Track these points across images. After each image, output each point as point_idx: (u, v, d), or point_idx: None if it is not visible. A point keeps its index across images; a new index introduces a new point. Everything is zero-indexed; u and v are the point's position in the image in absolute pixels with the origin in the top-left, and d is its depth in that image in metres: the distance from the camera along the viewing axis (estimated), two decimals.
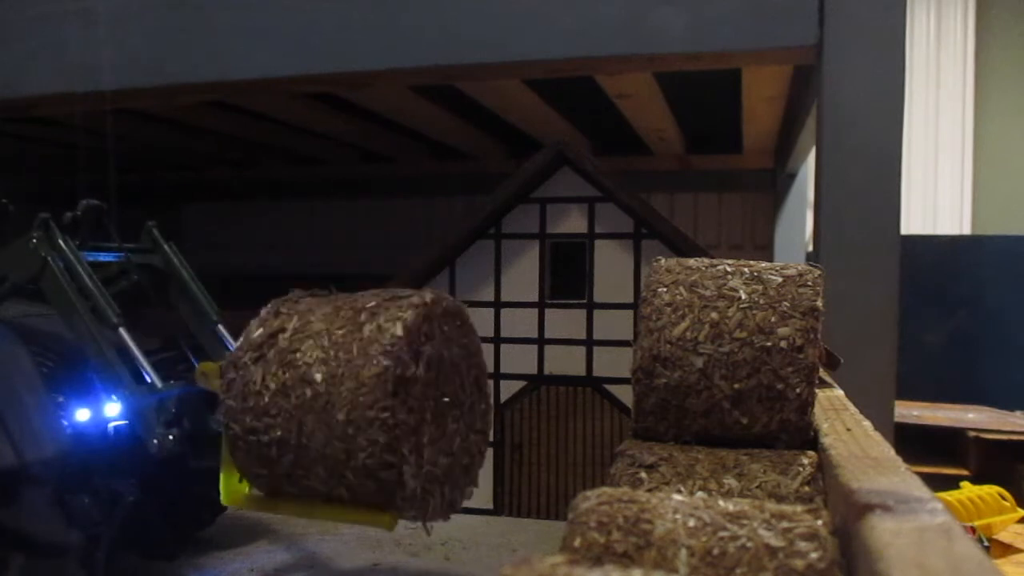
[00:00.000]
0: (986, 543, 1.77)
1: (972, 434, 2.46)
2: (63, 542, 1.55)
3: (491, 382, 0.86)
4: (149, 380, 2.00)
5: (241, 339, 0.73)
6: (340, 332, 0.67)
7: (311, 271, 4.00)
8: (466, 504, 2.95)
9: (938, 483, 1.86)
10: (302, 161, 4.38)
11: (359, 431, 0.63)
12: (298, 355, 0.67)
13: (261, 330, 0.72)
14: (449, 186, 4.39)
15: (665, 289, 0.75)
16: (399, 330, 0.65)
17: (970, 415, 2.75)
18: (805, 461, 0.66)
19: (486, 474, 3.08)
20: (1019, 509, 1.93)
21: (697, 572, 0.49)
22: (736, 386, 0.70)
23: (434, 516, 0.71)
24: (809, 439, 0.71)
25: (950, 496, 1.87)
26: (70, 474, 1.99)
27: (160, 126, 3.26)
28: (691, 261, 0.77)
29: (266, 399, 0.67)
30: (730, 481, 0.65)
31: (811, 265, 0.76)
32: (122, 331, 1.93)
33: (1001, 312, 3.46)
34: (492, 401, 0.83)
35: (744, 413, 0.71)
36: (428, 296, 0.70)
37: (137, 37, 2.01)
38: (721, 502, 0.53)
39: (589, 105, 2.84)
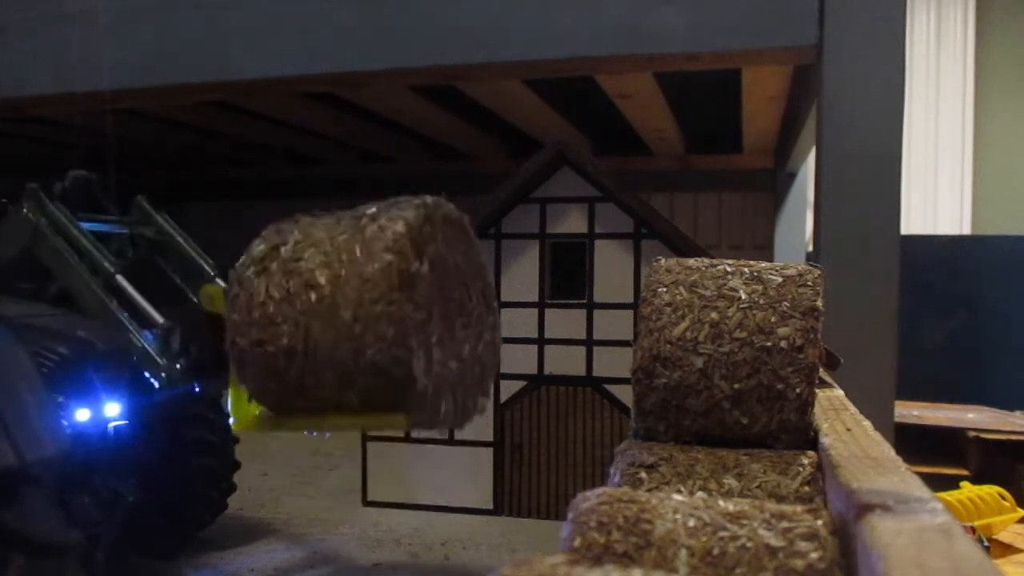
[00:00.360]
0: (986, 543, 1.77)
1: (972, 434, 2.46)
2: (63, 542, 1.55)
3: (497, 297, 0.85)
4: (151, 319, 2.00)
5: (243, 257, 0.71)
6: (343, 237, 0.66)
7: None
8: (466, 504, 2.95)
9: (938, 483, 1.86)
10: (302, 161, 4.39)
11: (367, 328, 0.62)
12: (301, 263, 0.66)
13: (263, 246, 0.70)
14: (449, 186, 4.39)
15: (665, 289, 0.75)
16: (401, 227, 0.64)
17: (970, 415, 2.75)
18: (805, 461, 0.66)
19: (486, 474, 3.08)
20: (1019, 509, 1.93)
21: (697, 572, 0.49)
22: (736, 386, 0.70)
23: (447, 422, 0.70)
24: (809, 439, 0.71)
25: (950, 496, 1.87)
26: (70, 474, 1.99)
27: (160, 126, 3.26)
28: (691, 261, 0.78)
29: (271, 309, 0.66)
30: (730, 481, 0.65)
31: (811, 265, 0.76)
32: (120, 278, 1.99)
33: (1001, 312, 3.46)
34: (499, 317, 0.82)
35: (744, 413, 0.71)
36: (429, 198, 0.69)
37: (137, 37, 2.02)
38: (721, 502, 0.53)
39: (589, 105, 2.84)
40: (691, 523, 0.51)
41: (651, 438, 0.75)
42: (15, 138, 3.46)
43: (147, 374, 1.94)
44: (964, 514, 1.83)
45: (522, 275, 2.32)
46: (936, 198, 4.54)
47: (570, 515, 0.55)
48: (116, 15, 2.03)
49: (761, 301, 0.72)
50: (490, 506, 3.12)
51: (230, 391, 0.75)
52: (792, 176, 3.97)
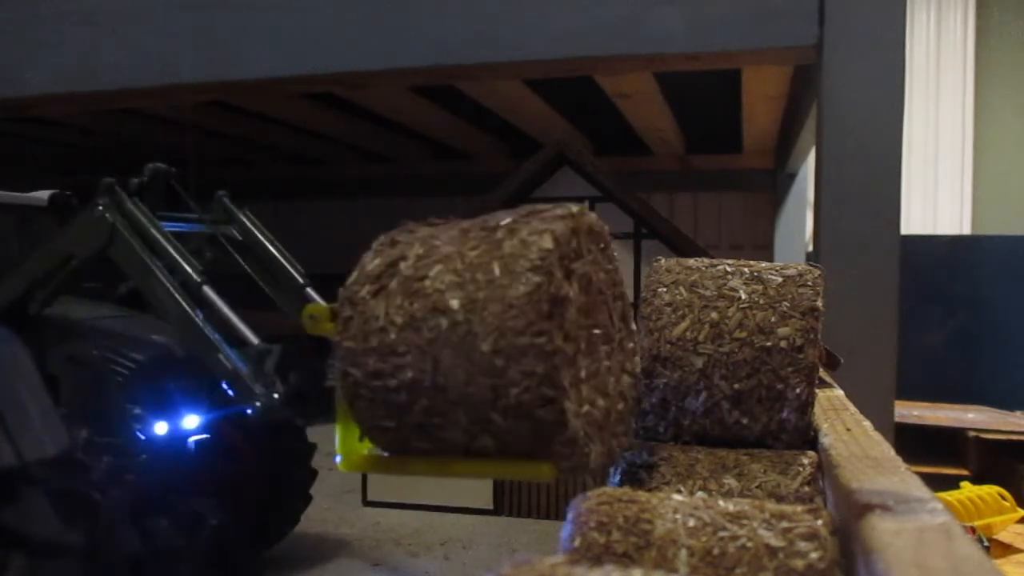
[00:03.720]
0: (986, 543, 1.76)
1: (972, 434, 2.46)
2: (63, 542, 1.54)
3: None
4: (243, 337, 1.78)
5: (354, 273, 0.61)
6: (474, 253, 0.57)
7: (310, 271, 4.02)
8: (466, 504, 2.95)
9: (938, 483, 1.86)
10: (302, 161, 4.39)
11: (510, 362, 0.53)
12: (426, 282, 0.57)
13: (378, 260, 0.60)
14: (449, 186, 4.40)
15: (665, 289, 0.75)
16: (548, 242, 0.55)
17: (970, 415, 2.75)
18: (805, 461, 0.66)
19: None
20: (1019, 509, 1.93)
21: (697, 572, 0.49)
22: (736, 386, 0.70)
23: (596, 466, 0.60)
24: (809, 439, 0.72)
25: (950, 496, 1.87)
26: (146, 493, 1.86)
27: (160, 126, 3.26)
28: (691, 261, 0.78)
29: (392, 336, 0.56)
30: (730, 481, 0.65)
31: (811, 265, 0.76)
32: (207, 289, 1.78)
33: (1001, 312, 3.46)
34: (638, 340, 0.70)
35: (744, 413, 0.71)
36: (574, 207, 0.59)
37: (137, 37, 2.01)
38: (721, 502, 0.53)
39: (589, 105, 2.84)
40: (691, 523, 0.51)
41: (651, 438, 0.75)
42: (15, 138, 3.46)
43: (240, 402, 1.73)
44: (964, 514, 1.82)
45: None
46: (936, 198, 4.54)
47: (570, 515, 0.55)
48: (116, 15, 2.03)
49: (761, 301, 0.72)
50: (490, 506, 3.12)
51: (337, 426, 0.66)
52: (792, 176, 3.97)
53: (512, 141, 3.63)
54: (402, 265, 0.59)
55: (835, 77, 1.62)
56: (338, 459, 0.68)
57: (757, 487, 0.64)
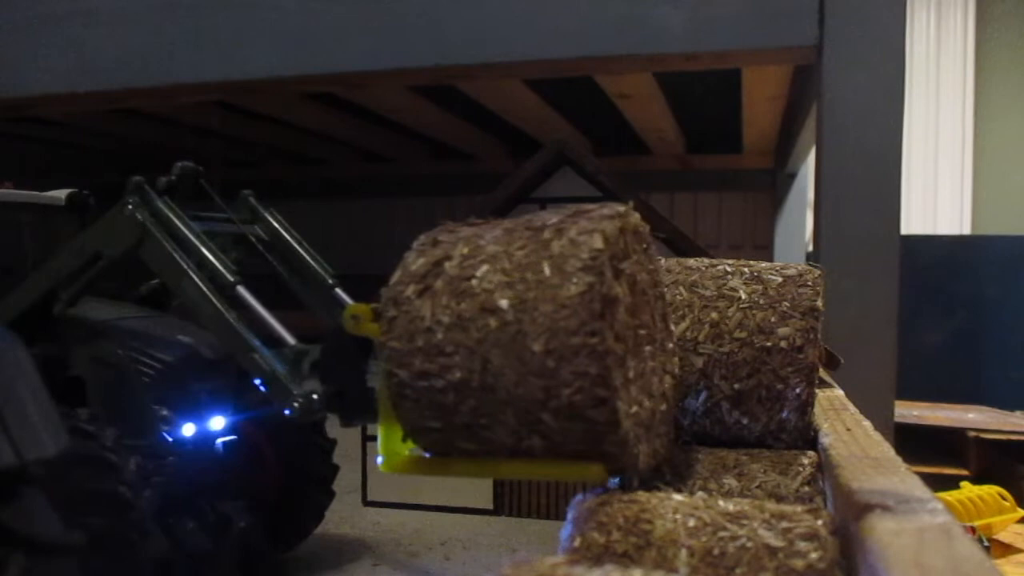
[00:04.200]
0: (986, 543, 1.76)
1: (972, 434, 2.46)
2: (63, 542, 1.54)
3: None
4: (279, 338, 1.74)
5: (397, 273, 0.60)
6: (522, 253, 0.56)
7: None
8: (466, 504, 2.95)
9: (938, 483, 1.86)
10: (302, 161, 4.39)
11: (562, 362, 0.52)
12: (474, 282, 0.56)
13: (422, 260, 0.59)
14: (449, 186, 4.40)
15: (665, 289, 0.75)
16: (598, 242, 0.54)
17: (970, 415, 2.75)
18: (805, 461, 0.66)
19: None
20: (1019, 509, 1.93)
21: (697, 572, 0.49)
22: (736, 386, 0.70)
23: (643, 468, 0.60)
24: (809, 439, 0.72)
25: (950, 496, 1.87)
26: (173, 495, 1.84)
27: (160, 126, 3.26)
28: (691, 261, 0.77)
29: (439, 336, 0.56)
30: (730, 481, 0.65)
31: (811, 265, 0.76)
32: (241, 289, 1.74)
33: (1001, 312, 3.45)
34: (676, 342, 0.70)
35: (744, 413, 0.71)
36: (620, 207, 0.59)
37: (137, 37, 2.01)
38: (721, 502, 0.53)
39: (589, 105, 2.84)
40: (691, 523, 0.51)
41: None
42: (15, 138, 3.46)
43: (276, 403, 1.68)
44: (964, 514, 1.82)
45: None
46: (936, 198, 4.54)
47: (570, 515, 0.55)
48: (116, 15, 2.03)
49: (761, 301, 0.72)
50: (490, 506, 3.12)
51: (380, 427, 0.65)
52: (792, 176, 3.97)
53: (512, 141, 3.63)
54: (447, 265, 0.59)
55: (835, 77, 1.62)
56: (380, 460, 0.67)
57: (757, 487, 0.64)
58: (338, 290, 1.88)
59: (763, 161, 4.07)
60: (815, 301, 0.71)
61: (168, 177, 1.90)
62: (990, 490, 1.93)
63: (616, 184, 2.84)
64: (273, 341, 1.74)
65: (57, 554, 1.52)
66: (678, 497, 0.55)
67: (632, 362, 0.58)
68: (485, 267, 0.57)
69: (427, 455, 0.62)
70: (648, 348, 0.62)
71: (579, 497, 0.57)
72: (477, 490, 3.02)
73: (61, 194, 2.31)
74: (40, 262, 2.03)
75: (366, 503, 3.03)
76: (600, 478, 0.56)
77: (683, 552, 0.50)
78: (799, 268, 0.75)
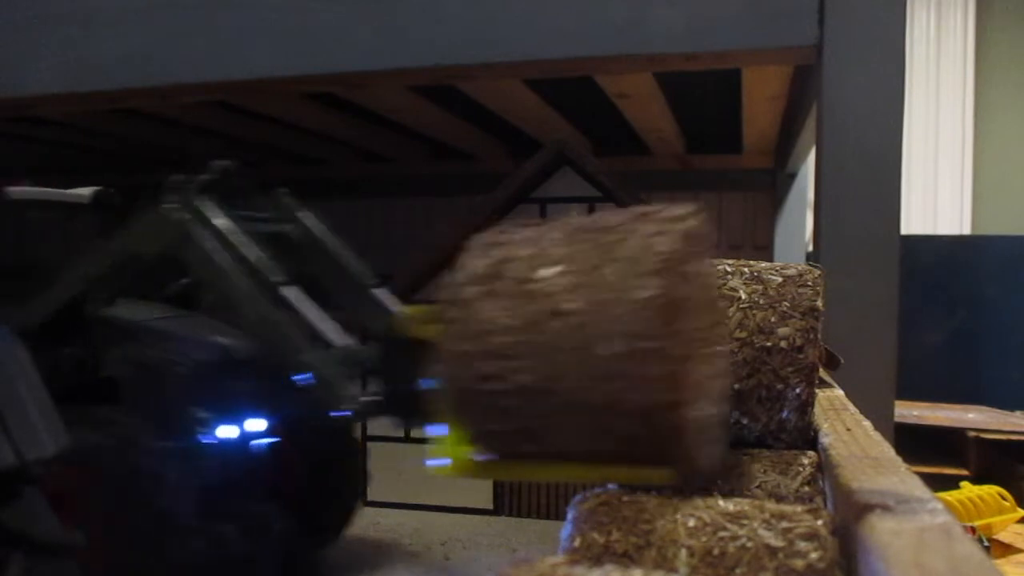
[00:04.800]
0: (986, 543, 1.76)
1: (972, 434, 2.46)
2: (63, 542, 1.54)
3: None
4: (327, 339, 1.69)
5: (457, 275, 0.60)
6: (586, 256, 0.56)
7: None
8: (466, 504, 2.95)
9: (938, 483, 1.86)
10: (302, 161, 4.38)
11: (630, 367, 0.52)
12: (539, 284, 0.56)
13: (484, 261, 0.59)
14: (449, 186, 4.40)
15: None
16: (666, 245, 0.54)
17: (970, 415, 2.75)
18: (805, 461, 0.66)
19: None
20: (1019, 509, 1.93)
21: (697, 572, 0.49)
22: (736, 386, 0.70)
23: (707, 469, 0.60)
24: (809, 439, 0.72)
25: (950, 496, 1.87)
26: (210, 498, 1.81)
27: (160, 126, 3.26)
28: None
29: (504, 338, 0.55)
30: (730, 481, 0.65)
31: (811, 265, 0.76)
32: (285, 290, 1.69)
33: (1001, 312, 3.45)
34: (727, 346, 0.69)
35: (744, 413, 0.71)
36: (683, 209, 0.58)
37: (137, 37, 2.01)
38: (721, 502, 0.53)
39: (589, 105, 2.84)
40: (691, 523, 0.51)
41: None
42: (15, 138, 3.46)
43: (327, 407, 1.64)
44: (964, 514, 1.82)
45: None
46: (936, 198, 4.54)
47: (570, 515, 0.55)
48: (116, 15, 2.03)
49: (761, 301, 0.72)
50: (490, 506, 3.13)
51: (438, 430, 0.65)
52: (792, 176, 3.97)
53: (512, 141, 3.63)
54: (511, 266, 0.58)
55: (835, 77, 1.62)
56: (435, 462, 0.67)
57: (757, 487, 0.64)
58: (380, 291, 1.83)
59: (763, 161, 4.07)
60: (815, 301, 0.71)
61: (208, 176, 1.86)
62: (990, 490, 1.93)
63: (616, 184, 2.84)
64: (323, 342, 1.70)
65: (57, 554, 1.52)
66: (678, 497, 0.55)
67: (695, 365, 0.58)
68: (550, 269, 0.56)
69: (489, 458, 0.61)
70: (707, 351, 0.62)
71: (579, 497, 0.57)
72: (477, 490, 3.02)
73: (86, 192, 2.27)
74: (64, 261, 1.99)
75: (366, 503, 3.03)
76: (670, 481, 0.56)
77: (683, 552, 0.50)
78: (799, 268, 0.75)
